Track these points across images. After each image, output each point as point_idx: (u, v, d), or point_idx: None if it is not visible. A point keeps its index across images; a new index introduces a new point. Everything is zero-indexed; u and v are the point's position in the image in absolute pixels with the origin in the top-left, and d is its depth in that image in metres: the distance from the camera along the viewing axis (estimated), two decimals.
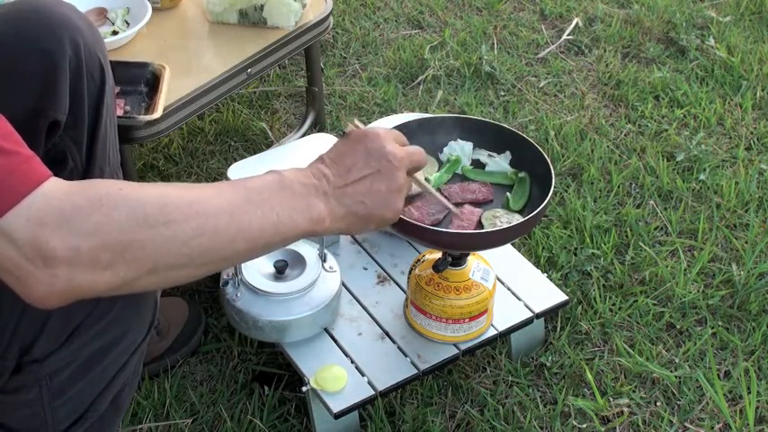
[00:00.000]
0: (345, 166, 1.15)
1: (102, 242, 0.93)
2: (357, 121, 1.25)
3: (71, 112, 1.30)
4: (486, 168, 1.53)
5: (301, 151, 1.80)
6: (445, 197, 1.45)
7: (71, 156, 1.34)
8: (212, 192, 1.04)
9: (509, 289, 1.71)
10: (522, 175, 1.50)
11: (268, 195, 1.07)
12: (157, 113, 1.71)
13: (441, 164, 1.54)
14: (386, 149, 1.17)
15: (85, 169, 1.37)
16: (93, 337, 1.14)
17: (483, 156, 1.55)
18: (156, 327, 1.68)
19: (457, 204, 1.49)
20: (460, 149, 1.55)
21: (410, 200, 1.48)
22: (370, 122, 2.04)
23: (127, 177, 1.85)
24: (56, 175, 1.32)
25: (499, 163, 1.53)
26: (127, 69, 1.79)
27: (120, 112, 1.73)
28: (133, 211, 0.95)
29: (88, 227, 0.93)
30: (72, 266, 0.92)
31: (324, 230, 1.12)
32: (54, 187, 0.94)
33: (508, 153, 1.53)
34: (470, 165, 1.54)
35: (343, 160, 1.16)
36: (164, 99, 1.74)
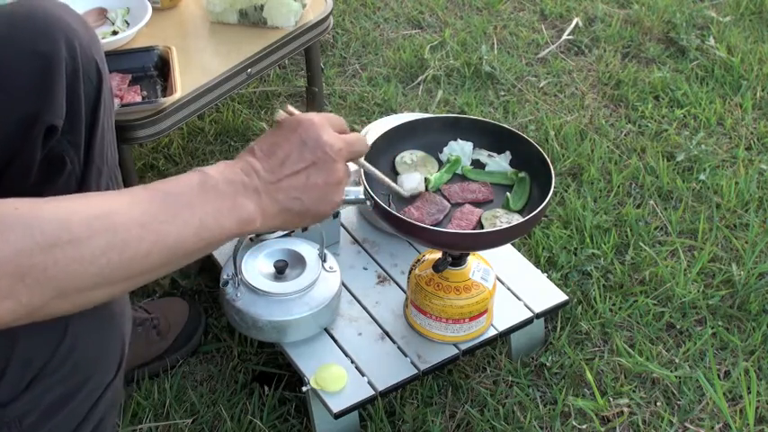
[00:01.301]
0: (278, 159, 1.07)
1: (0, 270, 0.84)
2: (291, 108, 1.16)
3: (68, 115, 1.27)
4: (486, 168, 1.53)
5: None
6: (445, 197, 1.44)
7: (69, 159, 1.33)
8: (124, 201, 0.95)
9: (509, 289, 1.71)
10: (521, 175, 1.50)
11: (188, 199, 0.98)
12: (177, 93, 1.73)
13: (441, 164, 1.54)
14: (322, 139, 1.10)
15: (83, 171, 1.36)
16: (56, 382, 1.05)
17: (483, 156, 1.55)
18: (155, 326, 1.68)
19: (457, 204, 1.49)
20: (460, 149, 1.55)
21: (410, 200, 1.48)
22: (370, 122, 2.04)
23: (126, 177, 1.85)
24: (54, 178, 1.32)
25: (499, 163, 1.53)
26: (134, 56, 1.83)
27: (137, 98, 1.75)
28: (30, 230, 0.86)
29: None
30: None
31: (255, 230, 1.05)
32: None
33: (508, 153, 1.53)
34: (470, 165, 1.55)
35: (275, 152, 1.08)
36: (179, 79, 1.76)
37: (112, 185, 1.46)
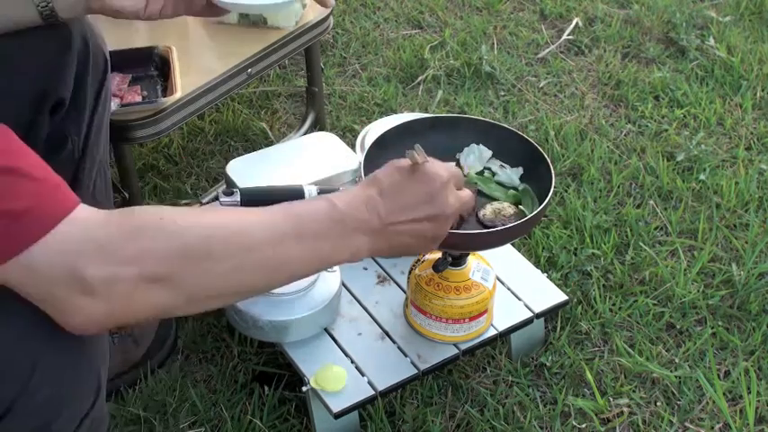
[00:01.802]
0: (400, 204, 1.12)
1: (140, 272, 0.92)
2: (419, 153, 1.18)
3: (74, 94, 1.33)
4: (495, 178, 1.54)
5: (303, 149, 1.79)
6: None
7: (71, 139, 1.38)
8: (260, 220, 1.02)
9: (509, 289, 1.71)
10: (522, 187, 1.51)
11: (317, 228, 1.05)
12: (177, 93, 1.73)
13: (456, 162, 1.55)
14: (447, 200, 1.15)
15: (81, 155, 1.40)
16: (28, 415, 1.02)
17: (495, 165, 1.55)
18: (130, 334, 1.68)
19: None
20: (478, 154, 1.55)
21: None
22: (370, 122, 2.04)
23: (127, 177, 1.85)
24: (53, 157, 1.36)
25: (510, 176, 1.53)
26: (134, 56, 1.83)
27: (137, 98, 1.75)
28: (173, 241, 0.94)
29: (125, 256, 0.92)
30: (109, 295, 0.92)
31: (361, 259, 1.11)
32: (88, 215, 0.94)
33: (520, 168, 1.53)
34: (483, 172, 1.55)
35: (399, 196, 1.13)
36: (179, 79, 1.76)
37: (100, 180, 1.50)
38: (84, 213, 0.94)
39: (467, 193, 1.23)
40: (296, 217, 1.04)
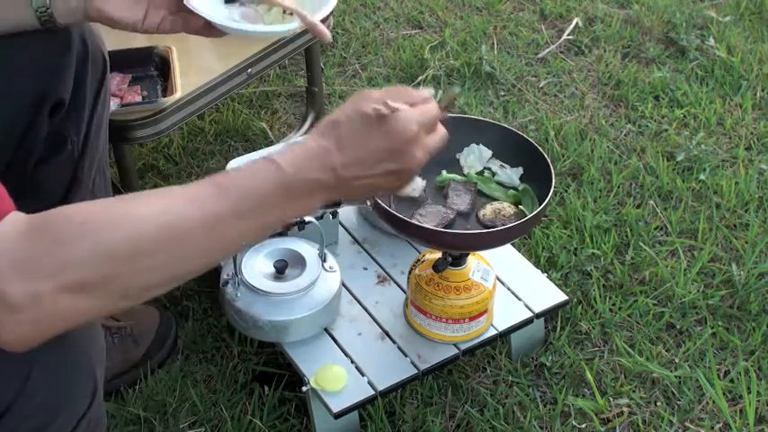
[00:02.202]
0: (359, 158, 1.01)
1: (62, 284, 0.87)
2: (391, 103, 1.03)
3: (74, 95, 1.33)
4: (495, 178, 1.54)
5: None
6: None
7: (70, 139, 1.38)
8: (190, 203, 0.94)
9: (509, 289, 1.71)
10: (522, 187, 1.51)
11: (260, 200, 0.96)
12: (178, 93, 1.73)
13: (457, 162, 1.56)
14: (413, 156, 1.03)
15: (80, 155, 1.41)
16: (25, 419, 1.02)
17: (495, 165, 1.55)
18: (130, 334, 1.68)
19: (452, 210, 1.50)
20: (478, 154, 1.55)
21: (416, 206, 1.49)
22: None
23: (126, 177, 1.85)
24: (53, 157, 1.37)
25: (510, 176, 1.53)
26: (134, 56, 1.83)
27: (137, 98, 1.75)
28: (98, 247, 0.88)
29: (46, 269, 0.87)
30: (35, 311, 0.87)
31: (308, 215, 1.04)
32: (8, 229, 0.88)
33: (520, 168, 1.53)
34: (482, 172, 1.55)
35: (359, 150, 1.01)
36: (179, 79, 1.76)
37: (100, 180, 1.50)
38: (4, 228, 0.88)
39: (438, 136, 1.08)
40: (233, 192, 0.95)
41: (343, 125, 1.02)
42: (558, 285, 1.75)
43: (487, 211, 1.49)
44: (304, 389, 1.52)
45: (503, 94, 2.47)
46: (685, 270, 1.91)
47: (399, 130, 1.02)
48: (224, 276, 1.59)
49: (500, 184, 1.54)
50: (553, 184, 1.44)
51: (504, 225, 1.44)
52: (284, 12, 1.33)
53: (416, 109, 1.05)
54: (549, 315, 1.76)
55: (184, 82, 1.79)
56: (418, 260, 1.61)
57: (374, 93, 1.05)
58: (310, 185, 0.98)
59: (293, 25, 1.30)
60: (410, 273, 1.60)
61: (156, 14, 1.29)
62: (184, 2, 1.27)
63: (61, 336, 0.98)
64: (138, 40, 1.92)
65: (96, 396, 1.09)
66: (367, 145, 1.01)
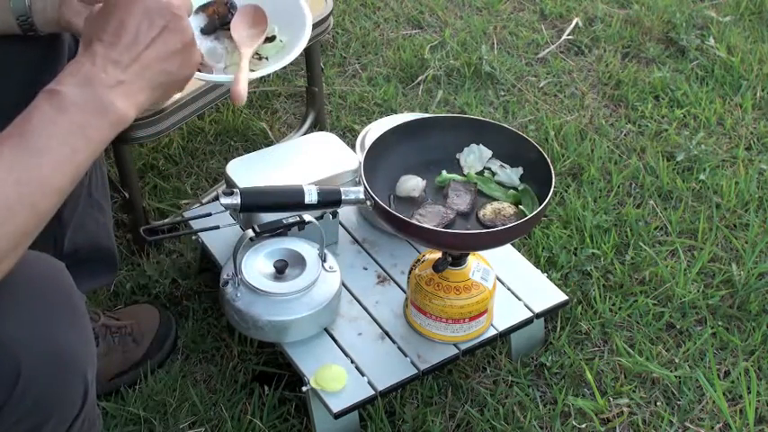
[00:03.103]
0: (129, 36, 0.97)
1: None
2: None
3: None
4: (495, 178, 1.54)
5: (303, 149, 1.79)
6: None
7: None
8: None
9: (509, 289, 1.71)
10: (522, 187, 1.51)
11: (49, 130, 0.91)
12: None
13: (456, 162, 1.56)
14: (162, 2, 0.99)
15: None
16: (17, 421, 1.01)
17: (495, 165, 1.55)
18: (130, 334, 1.68)
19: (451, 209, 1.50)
20: (478, 154, 1.55)
21: (416, 205, 1.49)
22: (370, 122, 2.04)
23: (126, 177, 1.85)
24: None
25: (510, 175, 1.53)
26: None
27: None
28: None
29: None
30: None
31: (130, 121, 0.98)
32: None
33: (520, 168, 1.53)
34: (482, 172, 1.55)
35: (122, 29, 0.97)
36: None
37: (97, 178, 1.50)
38: None
39: None
40: (19, 136, 0.90)
41: (92, 29, 0.99)
42: (558, 285, 1.75)
43: (487, 211, 1.49)
44: (304, 389, 1.52)
45: (503, 94, 2.47)
46: (685, 270, 1.91)
47: None
48: (224, 276, 1.59)
49: (500, 184, 1.54)
50: (553, 184, 1.44)
51: (504, 225, 1.44)
52: (254, 56, 1.33)
53: None
54: (549, 315, 1.76)
55: None
56: (418, 260, 1.61)
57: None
58: (94, 90, 0.94)
59: (229, 77, 1.27)
60: (410, 273, 1.60)
61: None
62: None
63: (49, 339, 0.97)
64: None
65: (88, 398, 1.09)
66: (126, 21, 0.98)
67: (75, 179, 0.95)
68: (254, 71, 1.29)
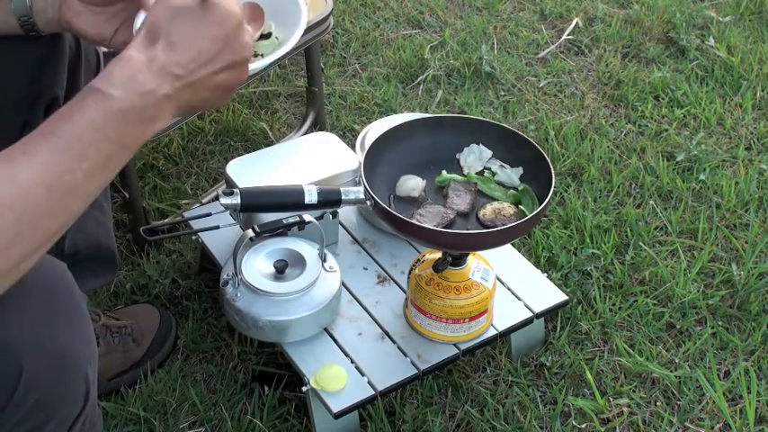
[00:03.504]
0: (199, 56, 0.94)
1: None
2: None
3: (68, 92, 1.33)
4: (495, 178, 1.54)
5: (303, 149, 1.79)
6: None
7: None
8: (23, 161, 0.87)
9: (509, 289, 1.71)
10: (522, 187, 1.51)
11: (92, 137, 0.89)
12: None
13: (456, 162, 1.56)
14: (245, 41, 0.98)
15: None
16: (20, 421, 1.01)
17: (495, 165, 1.55)
18: (130, 334, 1.68)
19: (449, 208, 1.50)
20: (478, 154, 1.55)
21: (416, 206, 1.49)
22: (370, 122, 2.04)
23: (126, 177, 1.85)
24: None
25: (510, 175, 1.53)
26: None
27: None
28: None
29: None
30: None
31: (157, 131, 0.97)
32: None
33: (520, 168, 1.53)
34: (482, 172, 1.55)
35: (196, 46, 0.94)
36: None
37: None
38: None
39: (248, 27, 1.05)
40: (62, 138, 0.87)
41: (166, 26, 0.94)
42: (558, 285, 1.75)
43: (487, 211, 1.49)
44: (304, 389, 1.52)
45: (503, 94, 2.47)
46: (685, 270, 1.91)
47: (227, 13, 0.97)
48: (224, 276, 1.59)
49: (500, 184, 1.54)
50: (553, 184, 1.44)
51: (504, 225, 1.44)
52: (269, 36, 1.32)
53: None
54: (549, 315, 1.76)
55: None
56: (418, 260, 1.61)
57: None
58: (147, 100, 0.92)
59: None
60: (410, 273, 1.60)
61: (126, 32, 1.24)
62: None
63: (50, 340, 0.97)
64: None
65: (89, 398, 1.09)
66: (198, 37, 0.95)
67: (106, 184, 0.94)
68: None
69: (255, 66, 1.30)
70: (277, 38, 1.35)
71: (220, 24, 0.96)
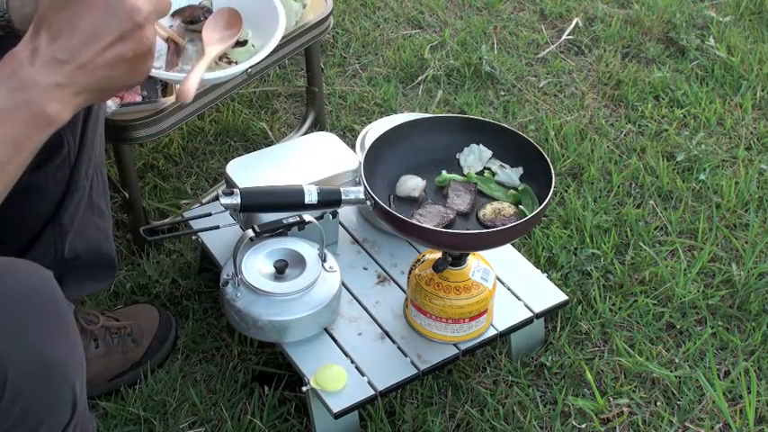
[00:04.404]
0: (81, 35, 0.88)
1: None
2: None
3: None
4: (495, 178, 1.54)
5: (303, 149, 1.79)
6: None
7: (67, 141, 1.37)
8: None
9: (509, 289, 1.71)
10: (522, 187, 1.51)
11: None
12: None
13: (456, 162, 1.56)
14: (131, 5, 0.89)
15: (77, 156, 1.40)
16: (9, 427, 1.00)
17: (495, 165, 1.55)
18: (130, 334, 1.68)
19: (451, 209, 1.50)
20: (478, 154, 1.55)
21: (416, 206, 1.49)
22: (369, 122, 2.04)
23: (126, 177, 1.85)
24: (50, 160, 1.34)
25: (510, 175, 1.53)
26: None
27: (137, 98, 1.74)
28: None
29: None
30: None
31: (64, 122, 0.90)
32: None
33: (520, 168, 1.53)
34: (482, 172, 1.55)
35: (76, 26, 0.88)
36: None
37: (97, 180, 1.49)
38: None
39: None
40: None
41: (49, 15, 0.89)
42: (558, 285, 1.75)
43: (487, 211, 1.49)
44: (304, 389, 1.52)
45: (503, 94, 2.47)
46: (685, 270, 1.91)
47: None
48: (224, 276, 1.59)
49: (500, 184, 1.54)
50: (553, 184, 1.44)
51: (504, 225, 1.44)
52: (220, 59, 1.31)
53: None
54: (549, 315, 1.76)
55: None
56: (418, 260, 1.61)
57: None
58: (32, 94, 0.87)
59: (180, 76, 1.23)
60: (410, 273, 1.60)
61: None
62: None
63: (35, 349, 0.96)
64: None
65: (77, 407, 1.07)
66: (80, 17, 0.88)
67: (8, 186, 0.89)
68: (210, 71, 1.25)
69: (226, 72, 1.28)
70: (253, 45, 1.33)
71: (108, 6, 0.89)
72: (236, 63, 1.30)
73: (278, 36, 1.31)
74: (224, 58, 1.31)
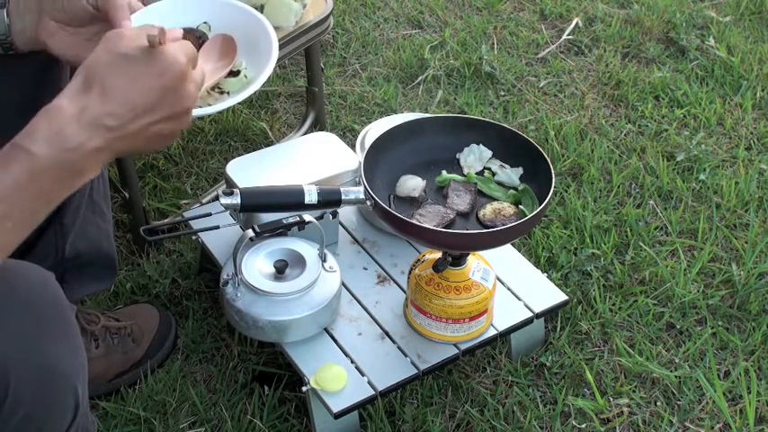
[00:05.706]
0: (133, 107, 0.89)
1: None
2: (156, 29, 0.91)
3: None
4: (495, 178, 1.54)
5: (303, 149, 1.79)
6: None
7: None
8: None
9: (509, 289, 1.71)
10: (522, 187, 1.51)
11: (15, 197, 0.86)
12: None
13: (457, 162, 1.56)
14: (187, 93, 0.93)
15: None
16: (12, 430, 1.01)
17: (495, 165, 1.55)
18: (130, 334, 1.68)
19: (451, 209, 1.50)
20: (478, 154, 1.55)
21: (416, 206, 1.49)
22: (369, 122, 2.04)
23: (126, 177, 1.85)
24: None
25: (510, 175, 1.53)
26: None
27: None
28: None
29: None
30: None
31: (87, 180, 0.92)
32: None
33: (520, 168, 1.53)
34: (482, 172, 1.55)
35: (129, 96, 0.89)
36: None
37: (97, 181, 1.49)
38: None
39: (199, 70, 0.98)
40: None
41: (104, 72, 0.89)
42: (558, 285, 1.75)
43: (487, 211, 1.49)
44: (304, 389, 1.52)
45: (503, 94, 2.47)
46: (685, 270, 1.91)
47: (171, 62, 0.91)
48: (224, 276, 1.59)
49: (500, 184, 1.54)
50: (553, 184, 1.44)
51: (504, 225, 1.44)
52: (212, 89, 1.29)
53: (177, 43, 0.96)
54: (549, 315, 1.76)
55: None
56: (418, 260, 1.61)
57: (125, 31, 0.93)
58: (74, 156, 0.88)
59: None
60: (410, 273, 1.60)
61: None
62: None
63: (38, 352, 0.96)
64: None
65: (79, 410, 1.08)
66: (136, 87, 0.90)
67: (27, 234, 0.90)
68: (199, 107, 1.23)
69: (214, 109, 1.26)
70: (246, 76, 1.32)
71: (161, 75, 0.91)
72: (228, 93, 1.28)
73: (270, 67, 1.29)
74: (216, 88, 1.29)
